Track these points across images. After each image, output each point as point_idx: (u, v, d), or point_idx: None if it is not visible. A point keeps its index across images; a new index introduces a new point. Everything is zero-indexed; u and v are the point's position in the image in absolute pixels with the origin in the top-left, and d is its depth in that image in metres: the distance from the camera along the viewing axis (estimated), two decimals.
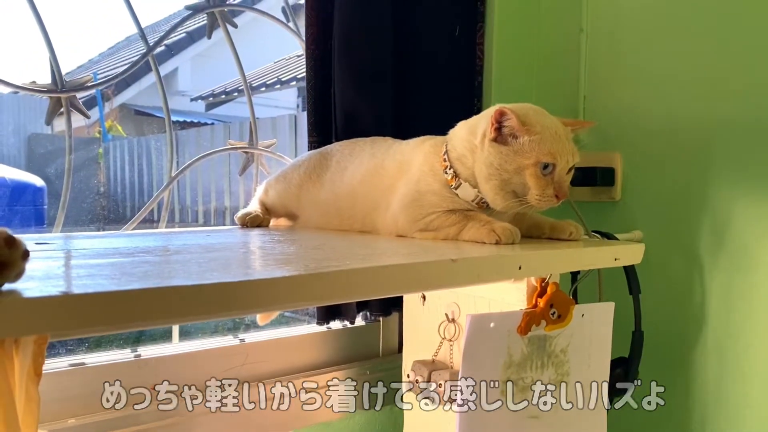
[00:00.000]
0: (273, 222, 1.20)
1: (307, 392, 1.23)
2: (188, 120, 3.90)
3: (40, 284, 0.54)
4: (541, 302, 0.97)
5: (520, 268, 0.79)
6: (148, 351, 1.12)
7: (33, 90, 1.14)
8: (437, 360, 1.13)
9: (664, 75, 1.31)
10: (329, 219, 1.10)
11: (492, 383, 0.94)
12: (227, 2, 1.30)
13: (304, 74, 1.25)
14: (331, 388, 1.26)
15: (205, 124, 3.86)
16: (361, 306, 1.29)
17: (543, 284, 0.97)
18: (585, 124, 1.01)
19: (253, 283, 0.58)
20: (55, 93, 1.12)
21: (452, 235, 0.94)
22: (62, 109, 1.14)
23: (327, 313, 1.26)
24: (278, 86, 3.81)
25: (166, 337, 1.20)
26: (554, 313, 0.98)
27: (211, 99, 4.31)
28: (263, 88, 3.74)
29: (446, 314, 1.12)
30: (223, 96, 4.26)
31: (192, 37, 4.24)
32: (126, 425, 1.03)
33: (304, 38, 1.37)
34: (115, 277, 0.59)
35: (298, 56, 4.16)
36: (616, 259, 0.95)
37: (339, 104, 1.19)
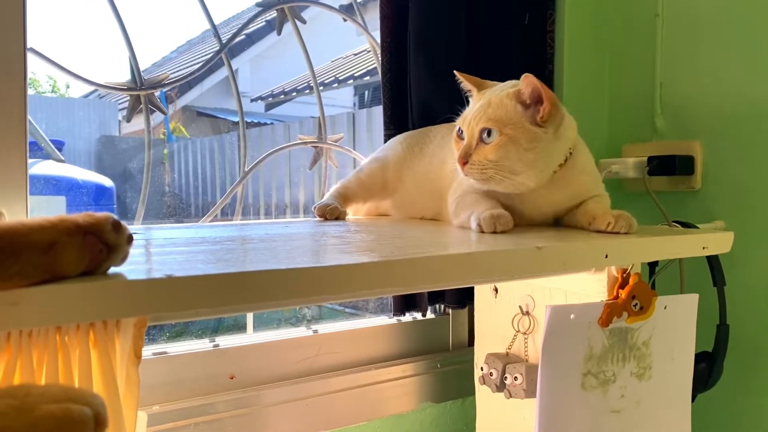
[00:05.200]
0: (350, 213, 1.21)
1: (378, 384, 1.24)
2: (249, 120, 3.99)
3: (141, 268, 0.55)
4: (623, 293, 0.94)
5: (606, 256, 0.77)
6: (225, 341, 1.14)
7: (114, 88, 1.18)
8: (511, 353, 1.11)
9: (746, 59, 1.25)
10: (422, 198, 1.10)
11: (572, 376, 0.92)
12: None
13: (361, 73, 1.26)
14: (402, 380, 1.26)
15: (265, 124, 3.94)
16: (434, 298, 1.28)
17: (624, 275, 0.95)
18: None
19: (344, 268, 0.58)
20: (135, 91, 1.15)
21: (467, 221, 0.90)
22: (139, 107, 1.18)
23: (402, 305, 1.26)
24: (335, 85, 3.85)
25: (241, 327, 1.22)
26: (636, 304, 0.95)
27: (270, 99, 4.39)
28: (321, 87, 3.80)
29: (520, 307, 1.10)
30: (282, 96, 4.34)
31: (251, 39, 4.33)
32: (204, 413, 1.06)
33: (370, 33, 1.38)
34: (210, 262, 0.60)
35: (355, 55, 4.20)
36: (704, 248, 0.92)
37: (414, 97, 1.19)
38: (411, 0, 1.19)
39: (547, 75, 1.33)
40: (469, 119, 0.92)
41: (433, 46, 1.18)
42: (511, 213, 0.89)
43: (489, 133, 0.89)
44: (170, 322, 0.76)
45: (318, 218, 1.10)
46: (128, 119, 1.16)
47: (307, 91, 4.34)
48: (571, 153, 0.92)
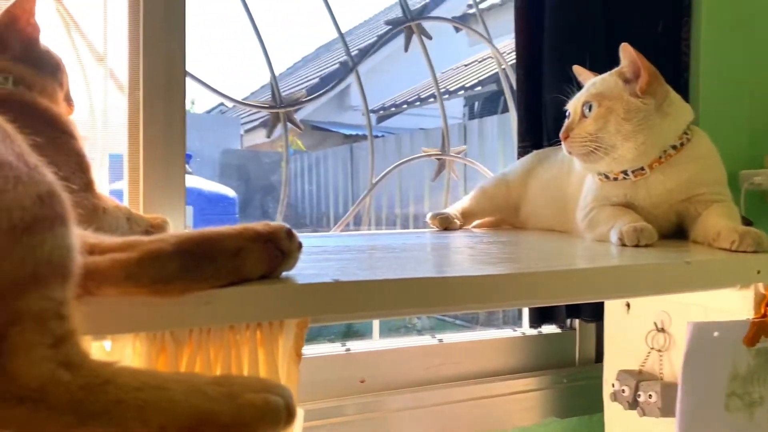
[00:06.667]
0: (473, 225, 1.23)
1: (502, 396, 1.24)
2: (361, 133, 4.11)
3: (305, 274, 0.60)
4: None
5: (758, 272, 0.74)
6: (355, 346, 1.19)
7: (256, 106, 1.27)
8: (644, 370, 1.08)
9: None
10: (547, 210, 1.10)
11: (715, 396, 0.89)
12: (423, 15, 1.36)
13: (472, 83, 1.27)
14: (526, 393, 1.26)
15: (376, 136, 4.04)
16: (571, 311, 1.27)
17: None
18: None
19: (493, 278, 0.60)
20: (275, 108, 1.23)
21: (605, 235, 0.89)
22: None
23: (539, 317, 1.26)
24: (446, 96, 3.88)
25: (367, 334, 1.26)
26: None
27: (381, 112, 4.49)
28: (432, 99, 3.84)
29: (654, 323, 1.07)
30: (393, 108, 4.42)
31: (364, 54, 4.46)
32: (332, 415, 1.10)
33: (494, 45, 1.40)
34: (364, 268, 0.64)
35: (466, 65, 4.21)
36: None
37: (550, 110, 1.19)
38: (547, 14, 1.20)
39: (682, 84, 1.28)
40: (575, 99, 0.97)
41: (569, 59, 1.18)
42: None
43: (590, 108, 0.92)
44: (329, 323, 0.80)
45: (432, 226, 1.13)
46: (269, 135, 1.25)
47: (418, 103, 4.38)
48: (688, 139, 0.92)
